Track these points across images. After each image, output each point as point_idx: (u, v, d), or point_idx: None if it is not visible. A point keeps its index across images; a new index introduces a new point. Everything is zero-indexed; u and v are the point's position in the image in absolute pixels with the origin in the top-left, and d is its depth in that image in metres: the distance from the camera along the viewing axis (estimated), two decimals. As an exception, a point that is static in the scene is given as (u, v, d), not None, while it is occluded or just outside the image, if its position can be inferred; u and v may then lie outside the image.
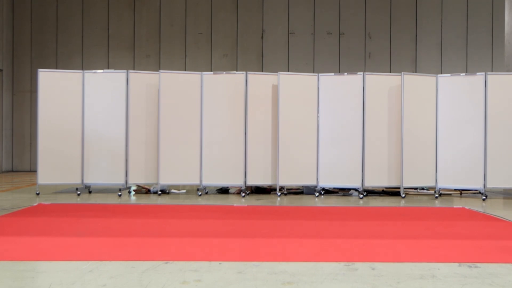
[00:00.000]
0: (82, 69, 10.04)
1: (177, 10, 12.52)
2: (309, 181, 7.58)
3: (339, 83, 7.60)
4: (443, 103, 7.50)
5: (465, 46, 12.28)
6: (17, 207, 6.08)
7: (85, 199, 7.13)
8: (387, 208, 6.39)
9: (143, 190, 7.92)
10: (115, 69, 9.22)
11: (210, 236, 4.37)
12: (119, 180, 7.47)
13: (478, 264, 3.38)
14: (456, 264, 3.41)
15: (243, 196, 7.42)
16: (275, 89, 7.57)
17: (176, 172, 7.47)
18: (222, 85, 7.58)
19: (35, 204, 6.35)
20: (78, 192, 7.53)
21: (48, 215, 5.56)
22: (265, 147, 7.57)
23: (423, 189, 8.05)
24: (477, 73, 7.46)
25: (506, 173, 7.24)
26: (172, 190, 7.95)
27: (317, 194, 7.55)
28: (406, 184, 7.38)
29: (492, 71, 11.37)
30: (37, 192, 7.41)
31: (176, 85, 7.53)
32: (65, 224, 4.95)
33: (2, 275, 3.10)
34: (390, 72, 11.67)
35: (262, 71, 11.91)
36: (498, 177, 7.25)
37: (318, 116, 7.58)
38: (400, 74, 7.49)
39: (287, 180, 7.50)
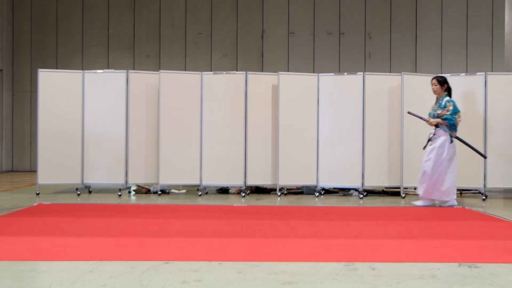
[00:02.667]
0: (82, 69, 10.04)
1: (177, 10, 12.51)
2: (309, 181, 7.57)
3: (339, 83, 7.60)
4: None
5: (465, 46, 12.27)
6: (17, 207, 6.08)
7: (85, 199, 7.13)
8: (387, 208, 6.39)
9: (143, 190, 7.92)
10: (115, 69, 9.21)
11: (210, 236, 4.37)
12: (119, 180, 7.47)
13: (478, 264, 3.38)
14: (456, 264, 3.41)
15: (243, 196, 7.42)
16: (275, 89, 7.57)
17: (176, 172, 7.46)
18: (222, 85, 7.58)
19: (35, 204, 6.35)
20: (78, 192, 7.53)
21: (48, 215, 5.56)
22: (265, 146, 7.57)
23: (423, 189, 8.03)
24: (477, 73, 7.46)
25: (506, 173, 7.24)
26: (172, 190, 7.95)
27: (317, 194, 7.55)
28: (406, 184, 7.38)
29: (492, 71, 11.36)
30: (37, 192, 7.41)
31: (176, 85, 7.53)
32: (65, 224, 4.95)
33: (2, 275, 3.11)
34: (390, 72, 11.66)
35: (262, 71, 11.90)
36: (498, 177, 7.25)
37: (318, 116, 7.57)
38: (400, 74, 7.49)
39: (287, 180, 7.50)
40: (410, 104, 7.38)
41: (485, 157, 6.84)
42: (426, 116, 6.58)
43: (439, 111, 6.41)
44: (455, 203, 6.42)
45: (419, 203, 6.50)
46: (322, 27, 12.43)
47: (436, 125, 6.39)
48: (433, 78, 6.58)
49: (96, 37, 12.51)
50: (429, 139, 6.50)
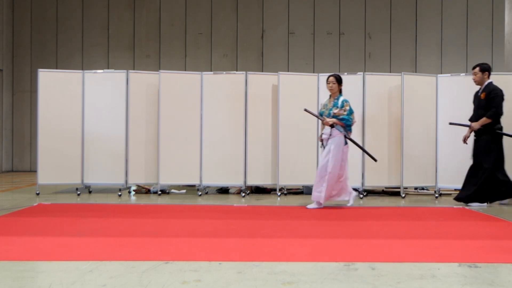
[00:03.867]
0: (82, 69, 10.03)
1: (177, 10, 12.51)
2: (309, 181, 7.54)
3: (339, 83, 7.59)
4: (443, 103, 7.49)
5: (465, 46, 12.27)
6: (17, 207, 6.08)
7: (85, 199, 7.13)
8: (387, 208, 6.39)
9: (143, 190, 7.92)
10: (115, 69, 9.20)
11: (210, 236, 4.37)
12: (119, 180, 7.47)
13: (478, 264, 3.38)
14: (456, 264, 3.41)
15: (243, 196, 7.41)
16: (275, 89, 7.57)
17: (176, 172, 7.46)
18: (222, 85, 7.58)
19: (35, 204, 6.35)
20: (78, 192, 7.52)
21: (48, 215, 5.56)
22: (265, 146, 7.56)
23: (423, 189, 8.05)
24: (477, 73, 7.44)
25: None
26: (172, 190, 7.95)
27: (317, 194, 7.54)
28: (406, 184, 7.38)
29: (492, 71, 11.34)
30: (37, 192, 7.41)
31: (176, 85, 7.53)
32: (65, 224, 4.96)
33: (2, 275, 3.11)
34: (390, 72, 11.65)
35: (262, 71, 11.89)
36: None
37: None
38: (400, 74, 7.49)
39: (287, 180, 7.49)
40: (410, 104, 7.39)
41: (375, 160, 6.53)
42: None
43: (335, 111, 6.13)
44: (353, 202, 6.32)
45: (312, 206, 6.15)
46: (322, 27, 12.42)
47: (332, 126, 6.10)
48: (330, 76, 6.28)
49: (96, 37, 12.51)
50: (321, 140, 6.22)
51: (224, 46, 12.46)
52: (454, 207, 6.45)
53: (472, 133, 6.63)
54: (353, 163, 7.40)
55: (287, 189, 7.88)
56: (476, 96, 6.74)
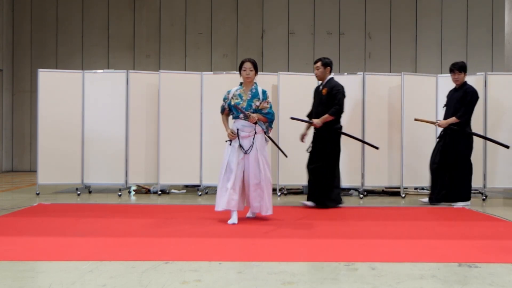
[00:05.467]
0: (82, 69, 10.02)
1: (177, 10, 12.51)
2: (309, 181, 7.55)
3: (339, 83, 7.58)
4: (443, 103, 7.48)
5: (465, 46, 12.26)
6: (17, 207, 6.08)
7: (85, 199, 7.13)
8: (387, 208, 6.39)
9: (143, 190, 7.92)
10: (115, 69, 9.19)
11: (210, 236, 4.37)
12: (119, 180, 7.47)
13: (478, 264, 3.39)
14: (456, 264, 3.41)
15: (243, 196, 7.40)
16: (275, 89, 7.57)
17: (176, 172, 7.46)
18: (222, 85, 7.55)
19: (35, 204, 6.35)
20: (78, 192, 7.52)
21: (48, 215, 5.56)
22: (265, 146, 7.55)
23: (423, 189, 8.05)
24: (477, 73, 7.47)
25: (506, 173, 7.23)
26: (172, 190, 7.95)
27: (317, 194, 7.52)
28: (406, 184, 7.38)
29: (492, 71, 11.35)
30: (37, 192, 7.41)
31: (176, 85, 7.53)
32: (65, 224, 4.96)
33: (2, 275, 3.11)
34: (390, 72, 11.65)
35: (262, 71, 11.84)
36: (498, 177, 7.25)
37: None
38: (400, 74, 7.49)
39: (287, 180, 7.49)
40: (410, 104, 7.39)
41: (286, 156, 6.18)
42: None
43: (257, 103, 5.23)
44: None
45: (249, 214, 5.36)
46: (322, 27, 12.42)
47: (255, 122, 5.19)
48: (247, 62, 5.28)
49: (96, 37, 12.50)
50: (234, 137, 5.20)
51: (224, 46, 12.46)
52: (454, 207, 6.45)
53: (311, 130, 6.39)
54: (354, 163, 7.42)
55: (287, 189, 7.88)
56: (317, 92, 6.47)
